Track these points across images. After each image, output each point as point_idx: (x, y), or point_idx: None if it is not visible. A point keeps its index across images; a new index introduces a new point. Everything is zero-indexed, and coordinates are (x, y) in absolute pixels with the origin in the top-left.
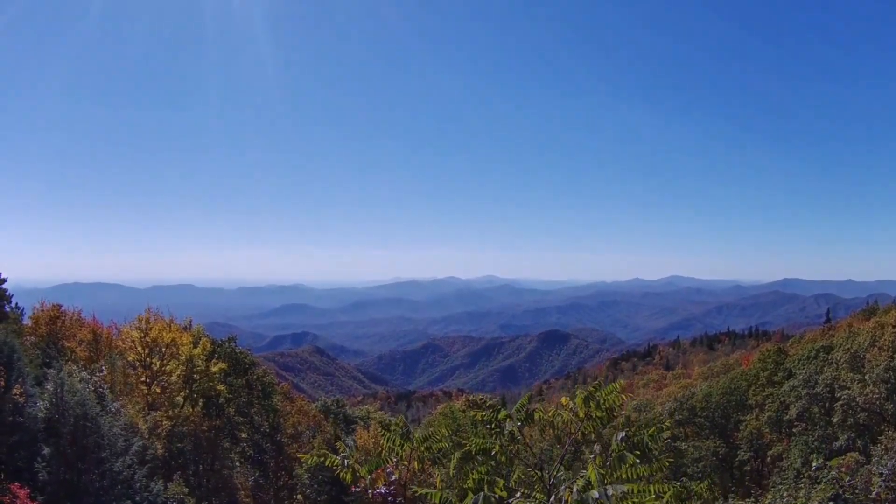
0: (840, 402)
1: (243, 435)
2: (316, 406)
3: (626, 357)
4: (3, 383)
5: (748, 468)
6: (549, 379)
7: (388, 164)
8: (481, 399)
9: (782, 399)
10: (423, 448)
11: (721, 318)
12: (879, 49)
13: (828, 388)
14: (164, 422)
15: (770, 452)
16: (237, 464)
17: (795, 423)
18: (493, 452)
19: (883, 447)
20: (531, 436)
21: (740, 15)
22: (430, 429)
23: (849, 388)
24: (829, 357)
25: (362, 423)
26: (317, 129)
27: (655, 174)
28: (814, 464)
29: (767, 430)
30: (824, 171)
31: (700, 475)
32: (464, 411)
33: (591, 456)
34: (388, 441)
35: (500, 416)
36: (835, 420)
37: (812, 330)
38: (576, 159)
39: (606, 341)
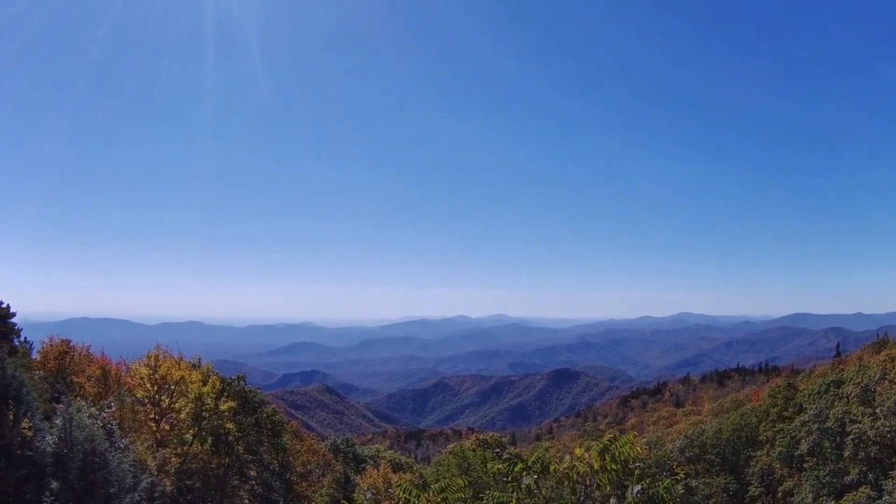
0: (851, 437)
1: (252, 473)
2: (325, 445)
3: (636, 394)
4: (12, 417)
5: None
6: (560, 417)
7: (398, 204)
8: (492, 438)
9: (793, 434)
10: (439, 499)
11: (731, 353)
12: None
13: (839, 423)
14: (173, 459)
15: (781, 488)
16: (246, 502)
17: (806, 458)
18: None
19: (894, 481)
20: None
21: (750, 48)
22: (447, 479)
23: (860, 422)
24: (840, 391)
25: (372, 462)
26: (325, 168)
27: (663, 211)
28: None
29: (778, 465)
30: (832, 205)
31: None
32: (474, 450)
33: None
34: (403, 491)
35: (516, 469)
36: (846, 454)
37: (822, 364)
38: (584, 198)
39: (616, 379)
